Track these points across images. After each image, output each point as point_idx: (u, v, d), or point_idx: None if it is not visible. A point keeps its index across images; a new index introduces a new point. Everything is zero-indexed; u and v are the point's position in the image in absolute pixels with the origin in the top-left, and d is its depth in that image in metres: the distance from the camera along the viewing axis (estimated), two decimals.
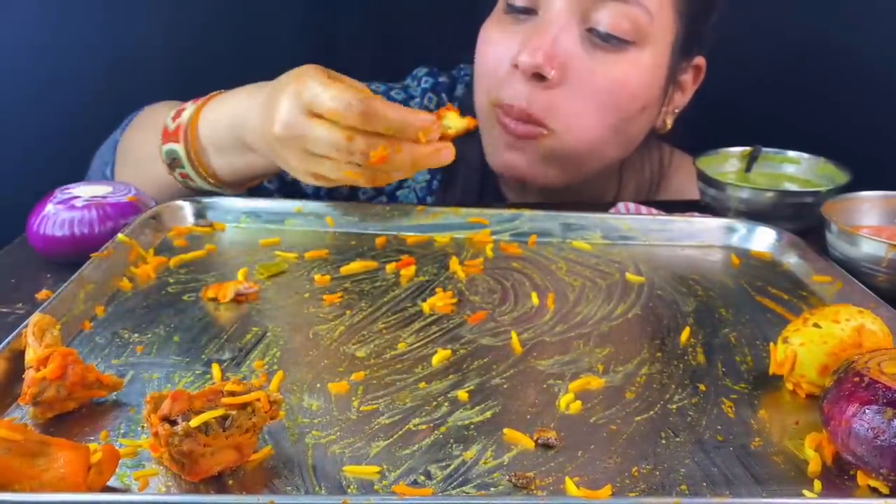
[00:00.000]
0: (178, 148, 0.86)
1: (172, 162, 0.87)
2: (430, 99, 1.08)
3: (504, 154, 0.97)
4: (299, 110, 0.73)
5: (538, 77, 0.91)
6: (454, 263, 0.78)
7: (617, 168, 1.05)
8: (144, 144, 0.91)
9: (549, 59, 0.90)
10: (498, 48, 0.95)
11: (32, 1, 1.23)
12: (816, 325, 0.60)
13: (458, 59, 1.10)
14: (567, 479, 0.50)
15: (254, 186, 0.93)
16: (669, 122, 1.02)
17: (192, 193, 0.89)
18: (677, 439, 0.55)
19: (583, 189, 1.04)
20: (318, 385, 0.59)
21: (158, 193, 0.88)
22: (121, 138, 0.96)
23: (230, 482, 0.49)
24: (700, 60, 1.00)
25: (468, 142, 1.04)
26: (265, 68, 1.04)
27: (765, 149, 0.99)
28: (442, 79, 1.10)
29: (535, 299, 0.73)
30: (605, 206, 0.94)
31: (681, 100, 1.02)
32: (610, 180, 1.06)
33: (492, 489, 0.49)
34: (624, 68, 0.92)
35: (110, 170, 0.96)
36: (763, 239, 0.86)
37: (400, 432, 0.54)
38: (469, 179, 1.07)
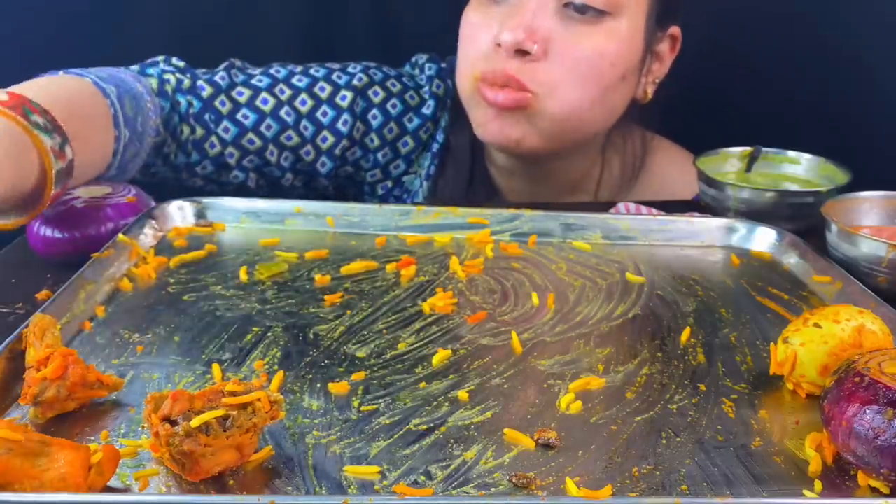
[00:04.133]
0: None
1: None
2: (439, 87, 1.09)
3: (491, 123, 0.98)
4: None
5: (521, 53, 0.93)
6: (454, 263, 0.78)
7: (600, 146, 1.08)
8: None
9: (530, 34, 0.92)
10: (479, 30, 0.97)
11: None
12: (817, 325, 0.60)
13: (455, 49, 1.11)
14: (567, 479, 0.50)
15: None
16: (650, 92, 1.04)
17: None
18: (677, 439, 0.55)
19: (569, 166, 1.06)
20: (319, 385, 0.59)
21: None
22: None
23: (231, 482, 0.49)
24: (675, 30, 1.02)
25: (457, 130, 1.06)
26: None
27: (765, 149, 0.98)
28: (443, 65, 1.11)
29: (535, 299, 0.73)
30: (605, 206, 0.94)
31: (660, 70, 1.04)
32: (593, 159, 1.08)
33: (492, 489, 0.49)
34: (602, 39, 0.94)
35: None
36: (763, 239, 0.86)
37: (400, 432, 0.54)
38: (459, 167, 1.09)
